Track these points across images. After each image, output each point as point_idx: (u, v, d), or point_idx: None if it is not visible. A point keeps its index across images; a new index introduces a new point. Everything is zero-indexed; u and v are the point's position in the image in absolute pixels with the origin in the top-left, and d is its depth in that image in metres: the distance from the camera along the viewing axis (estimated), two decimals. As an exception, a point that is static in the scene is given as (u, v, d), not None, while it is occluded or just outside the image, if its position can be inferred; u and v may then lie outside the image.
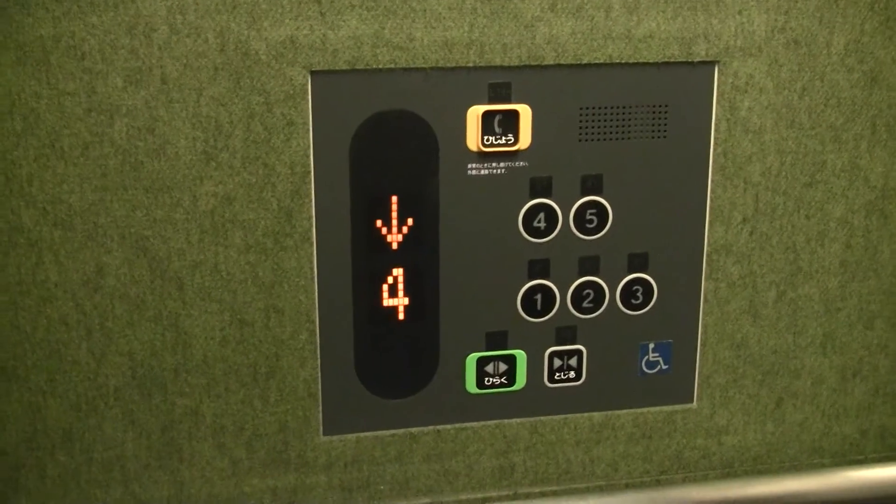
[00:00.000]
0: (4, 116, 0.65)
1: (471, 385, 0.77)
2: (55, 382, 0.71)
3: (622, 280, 0.77)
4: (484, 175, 0.72)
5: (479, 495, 0.79)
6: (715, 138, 0.75)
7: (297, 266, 0.71)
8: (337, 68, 0.68)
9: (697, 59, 0.73)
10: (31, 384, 0.70)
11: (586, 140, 0.73)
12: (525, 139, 0.72)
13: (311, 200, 0.70)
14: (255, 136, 0.68)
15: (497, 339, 0.76)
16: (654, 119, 0.74)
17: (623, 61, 0.72)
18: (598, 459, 0.80)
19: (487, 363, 0.77)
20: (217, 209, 0.69)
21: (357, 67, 0.68)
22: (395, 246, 0.73)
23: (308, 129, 0.69)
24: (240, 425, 0.74)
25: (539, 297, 0.76)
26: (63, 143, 0.66)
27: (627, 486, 0.81)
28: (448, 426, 0.78)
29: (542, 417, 0.79)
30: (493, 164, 0.73)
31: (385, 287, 0.74)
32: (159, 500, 0.75)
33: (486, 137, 0.72)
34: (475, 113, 0.71)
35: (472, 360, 0.76)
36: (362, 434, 0.76)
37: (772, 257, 0.78)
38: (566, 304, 0.76)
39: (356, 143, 0.70)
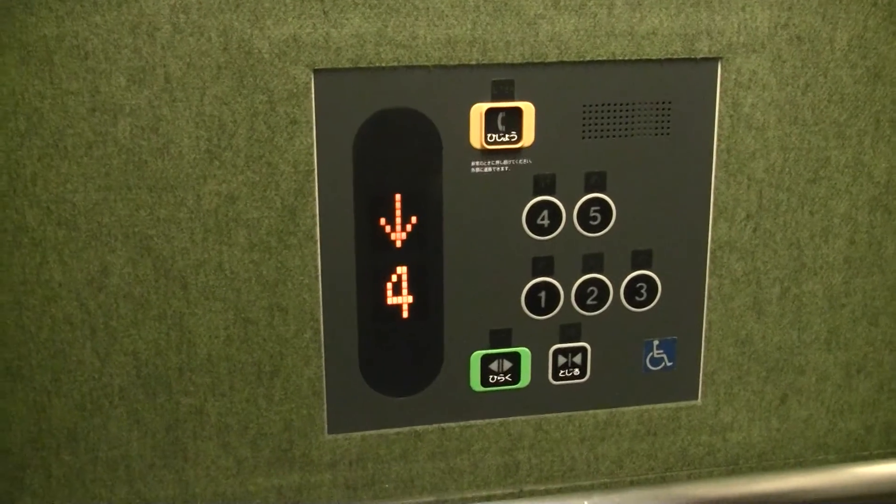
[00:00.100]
0: (8, 116, 0.65)
1: (475, 383, 0.77)
2: (60, 382, 0.71)
3: (626, 277, 0.77)
4: (487, 173, 0.72)
5: (484, 493, 0.79)
6: (718, 135, 0.75)
7: (301, 265, 0.71)
8: (340, 66, 0.68)
9: (701, 56, 0.73)
10: (36, 384, 0.70)
11: (590, 137, 0.73)
12: (528, 136, 0.72)
13: (314, 199, 0.70)
14: (258, 135, 0.68)
15: (501, 337, 0.76)
16: (657, 116, 0.74)
17: (626, 58, 0.72)
18: (603, 457, 0.80)
19: (492, 361, 0.77)
20: (221, 208, 0.69)
21: (360, 66, 0.68)
22: (398, 244, 0.73)
23: (311, 128, 0.69)
24: (244, 424, 0.74)
25: (543, 294, 0.76)
26: (67, 143, 0.66)
27: (632, 483, 0.81)
28: (453, 424, 0.78)
29: (546, 415, 0.79)
30: (497, 162, 0.72)
31: (389, 285, 0.74)
32: (164, 500, 0.75)
33: (489, 135, 0.72)
34: (478, 111, 0.71)
35: (476, 357, 0.76)
36: (367, 432, 0.76)
37: (776, 254, 0.78)
38: (570, 301, 0.76)
39: (359, 141, 0.70)
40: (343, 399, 0.75)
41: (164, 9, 0.65)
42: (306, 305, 0.72)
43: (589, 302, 0.77)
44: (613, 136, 0.73)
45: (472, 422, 0.78)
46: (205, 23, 0.66)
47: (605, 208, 0.75)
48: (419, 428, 0.77)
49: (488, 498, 0.80)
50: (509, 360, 0.77)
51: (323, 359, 0.74)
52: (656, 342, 0.79)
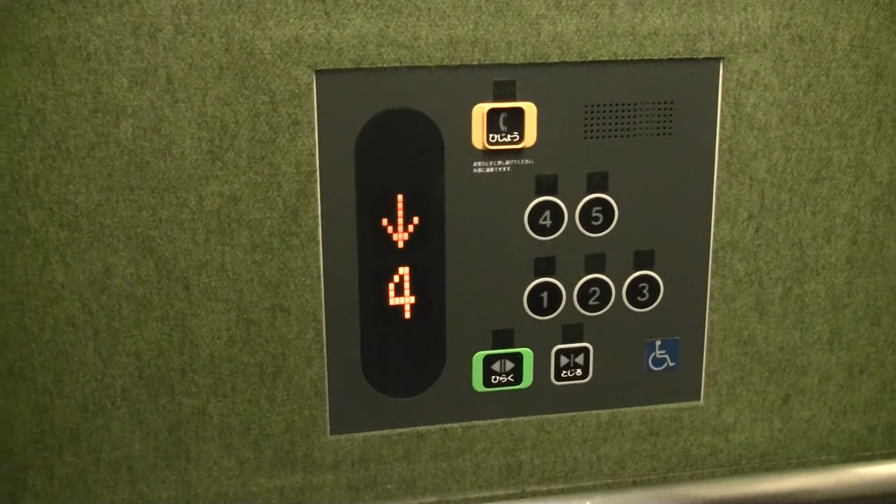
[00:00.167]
0: (11, 117, 0.65)
1: (477, 383, 0.77)
2: (62, 383, 0.71)
3: (628, 277, 0.77)
4: (489, 173, 0.72)
5: (487, 493, 0.79)
6: (720, 135, 0.75)
7: (303, 265, 0.71)
8: (342, 67, 0.68)
9: (702, 56, 0.73)
10: (39, 385, 0.70)
11: (591, 137, 0.73)
12: (530, 137, 0.72)
13: (316, 200, 0.70)
14: (260, 136, 0.68)
15: (503, 338, 0.76)
16: (659, 116, 0.74)
17: (628, 58, 0.72)
18: (606, 457, 0.80)
19: (494, 361, 0.77)
20: (223, 209, 0.69)
21: (362, 66, 0.68)
22: (401, 245, 0.73)
23: (313, 129, 0.69)
24: (247, 425, 0.74)
25: (545, 294, 0.76)
26: (69, 144, 0.66)
27: (634, 484, 0.81)
28: (455, 425, 0.77)
29: (548, 415, 0.79)
30: (499, 162, 0.73)
31: (391, 286, 0.74)
32: (167, 501, 0.75)
33: (491, 135, 0.72)
34: (480, 111, 0.71)
35: (478, 358, 0.76)
36: (369, 433, 0.76)
37: (778, 254, 0.78)
38: (572, 301, 0.76)
39: (361, 141, 0.70)
40: (345, 400, 0.75)
41: (165, 10, 0.65)
42: (308, 306, 0.72)
43: (591, 302, 0.77)
44: (615, 137, 0.73)
45: (475, 422, 0.78)
46: (207, 24, 0.66)
47: (607, 208, 0.75)
48: (421, 428, 0.77)
49: (490, 498, 0.80)
50: (511, 360, 0.77)
51: (325, 359, 0.74)
52: (658, 342, 0.79)
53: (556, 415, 0.79)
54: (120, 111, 0.66)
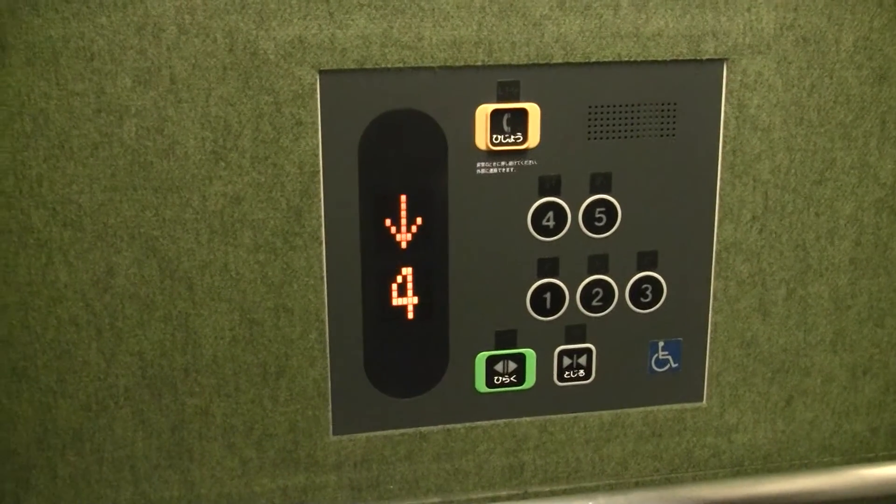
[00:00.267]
0: (14, 117, 0.65)
1: (480, 384, 0.77)
2: (65, 382, 0.71)
3: (631, 278, 0.77)
4: (493, 174, 0.72)
5: (489, 494, 0.79)
6: (724, 136, 0.75)
7: (306, 265, 0.71)
8: (345, 68, 0.68)
9: (706, 57, 0.73)
10: (42, 384, 0.71)
11: (595, 138, 0.73)
12: (534, 138, 0.72)
13: (320, 200, 0.70)
14: (263, 136, 0.68)
15: (506, 338, 0.76)
16: (662, 117, 0.74)
17: (631, 59, 0.72)
18: (608, 458, 0.80)
19: (497, 362, 0.77)
20: (226, 209, 0.69)
21: (366, 67, 0.68)
22: (404, 245, 0.73)
23: (317, 129, 0.69)
24: (250, 425, 0.74)
25: (548, 295, 0.76)
26: (72, 144, 0.66)
27: (637, 485, 0.81)
28: (458, 425, 0.77)
29: (551, 416, 0.79)
30: (502, 163, 0.72)
31: (394, 286, 0.74)
32: (169, 500, 0.75)
33: (494, 136, 0.72)
34: (484, 112, 0.71)
35: (481, 358, 0.76)
36: (372, 433, 0.76)
37: (781, 255, 0.78)
38: (575, 302, 0.76)
39: (365, 142, 0.70)
40: (348, 400, 0.75)
41: (169, 10, 0.65)
42: (311, 306, 0.72)
43: (594, 303, 0.77)
44: (619, 138, 0.73)
45: (478, 423, 0.78)
46: (210, 24, 0.66)
47: (610, 209, 0.75)
48: (424, 429, 0.77)
49: (493, 499, 0.80)
50: (514, 361, 0.77)
51: (328, 360, 0.74)
52: (662, 343, 0.79)
53: (559, 415, 0.79)
54: (123, 111, 0.66)
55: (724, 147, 0.75)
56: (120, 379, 0.71)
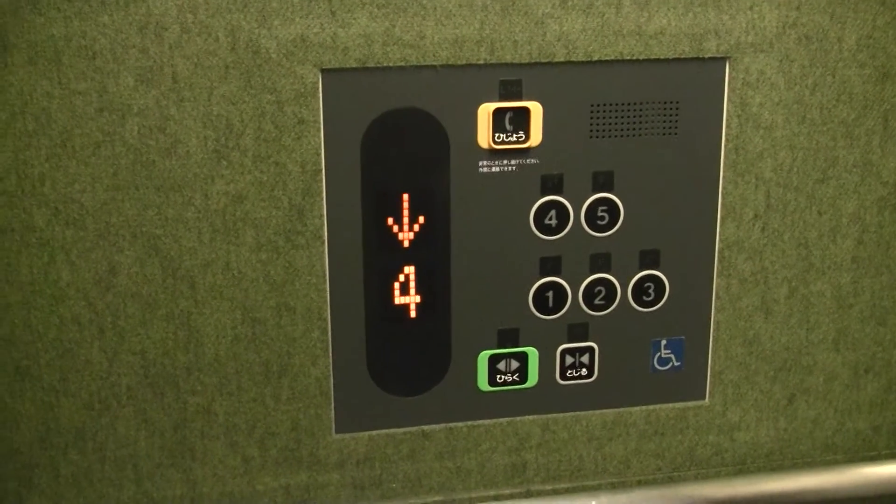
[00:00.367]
0: (16, 116, 0.65)
1: (483, 383, 0.77)
2: (68, 381, 0.71)
3: (634, 277, 0.77)
4: (495, 172, 0.72)
5: (492, 493, 0.79)
6: (726, 134, 0.75)
7: (308, 264, 0.71)
8: (348, 66, 0.68)
9: (708, 55, 0.73)
10: (44, 383, 0.71)
11: (597, 137, 0.73)
12: (536, 136, 0.72)
13: (322, 199, 0.70)
14: (266, 135, 0.68)
15: (509, 337, 0.76)
16: (665, 115, 0.74)
17: (634, 58, 0.72)
18: (611, 456, 0.80)
19: (499, 361, 0.77)
20: (228, 208, 0.69)
21: (368, 65, 0.68)
22: (406, 244, 0.73)
23: (319, 128, 0.69)
24: (252, 424, 0.74)
25: (551, 294, 0.76)
26: (75, 143, 0.66)
27: (640, 483, 0.81)
28: (460, 424, 0.77)
29: (554, 415, 0.79)
30: (504, 162, 0.72)
31: (397, 285, 0.74)
32: (172, 499, 0.75)
33: (496, 135, 0.72)
34: (486, 110, 0.71)
35: (483, 357, 0.76)
36: (374, 432, 0.76)
37: (784, 253, 0.78)
38: (578, 301, 0.76)
39: (367, 141, 0.70)
40: (350, 398, 0.75)
41: (171, 9, 0.65)
42: (314, 305, 0.72)
43: (596, 302, 0.77)
44: (621, 136, 0.73)
45: (480, 421, 0.78)
46: (212, 23, 0.66)
47: (612, 208, 0.75)
48: (426, 427, 0.77)
49: (496, 497, 0.80)
50: (517, 359, 0.77)
51: (330, 358, 0.74)
52: (664, 342, 0.79)
53: (562, 414, 0.79)
54: (126, 110, 0.66)
55: (726, 145, 0.75)
56: (122, 378, 0.71)
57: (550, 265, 0.75)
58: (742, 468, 0.83)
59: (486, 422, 0.78)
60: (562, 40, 0.70)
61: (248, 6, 0.66)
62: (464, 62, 0.69)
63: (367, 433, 0.76)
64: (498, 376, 0.77)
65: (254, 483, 0.75)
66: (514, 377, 0.77)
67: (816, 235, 0.78)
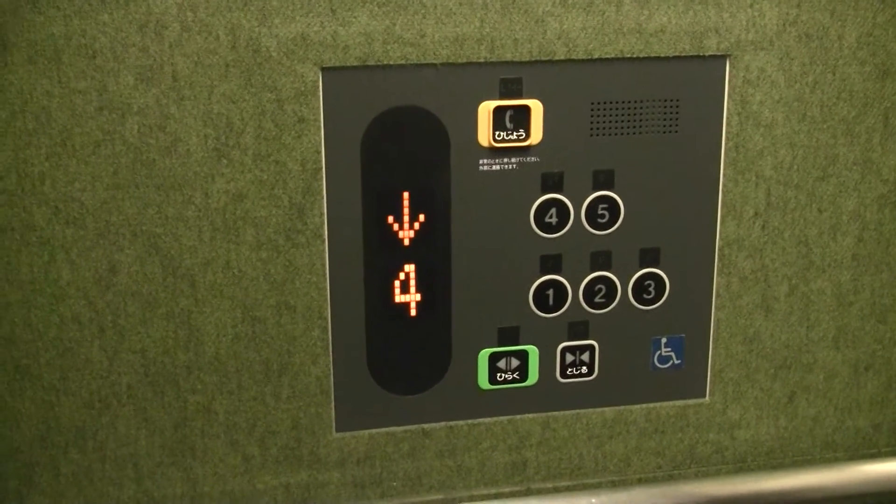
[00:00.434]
0: (16, 115, 0.65)
1: (483, 381, 0.77)
2: (68, 380, 0.71)
3: (634, 275, 0.77)
4: (495, 170, 0.72)
5: (492, 491, 0.79)
6: (726, 132, 0.75)
7: (308, 263, 0.71)
8: (348, 65, 0.68)
9: (709, 53, 0.73)
10: (45, 382, 0.71)
11: (598, 135, 0.73)
12: (536, 134, 0.72)
13: (322, 197, 0.70)
14: (266, 134, 0.68)
15: (509, 335, 0.76)
16: (665, 113, 0.74)
17: (634, 56, 0.72)
18: (611, 454, 0.80)
19: (500, 359, 0.77)
20: (229, 206, 0.69)
21: (368, 64, 0.68)
22: (406, 242, 0.73)
23: (319, 126, 0.69)
24: (252, 422, 0.74)
25: (551, 292, 0.76)
26: (75, 142, 0.66)
27: (640, 481, 0.81)
28: (460, 422, 0.77)
29: (554, 413, 0.79)
30: (505, 160, 0.72)
31: (397, 283, 0.73)
32: (172, 498, 0.75)
33: (497, 133, 0.71)
34: (486, 108, 0.71)
35: (484, 355, 0.76)
36: (375, 430, 0.76)
37: (784, 251, 0.78)
38: (578, 299, 0.76)
39: (367, 139, 0.70)
40: (351, 397, 0.75)
41: (171, 7, 0.65)
42: (314, 303, 0.72)
43: (597, 300, 0.77)
44: (621, 134, 0.73)
45: (480, 420, 0.78)
46: (213, 21, 0.66)
47: (612, 206, 0.75)
48: (427, 426, 0.77)
49: (496, 496, 0.80)
50: (517, 357, 0.77)
51: (331, 357, 0.74)
52: (664, 340, 0.79)
53: (562, 412, 0.79)
54: (126, 109, 0.66)
55: (726, 143, 0.75)
56: (122, 377, 0.71)
57: (551, 263, 0.75)
58: (742, 466, 0.83)
59: (487, 420, 0.78)
60: (562, 38, 0.70)
61: (248, 4, 0.66)
62: (464, 60, 0.69)
63: (367, 432, 0.76)
64: (498, 374, 0.77)
65: (254, 482, 0.75)
66: (515, 375, 0.77)
67: (816, 233, 0.78)
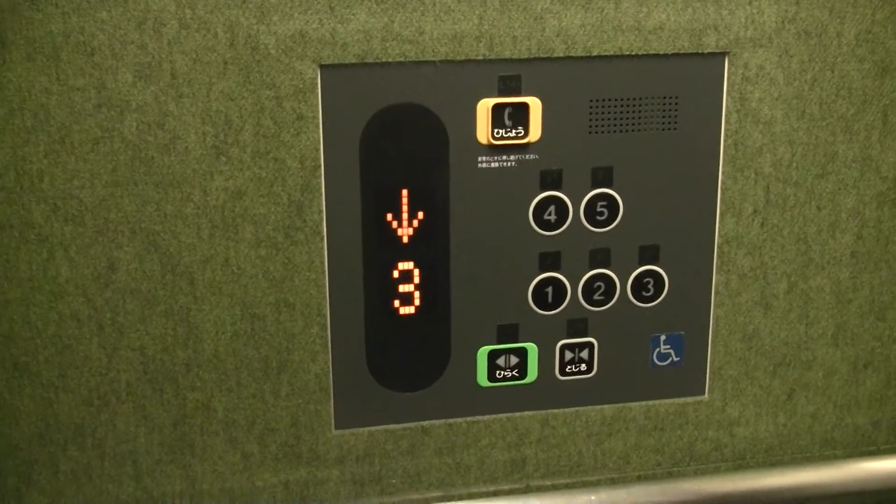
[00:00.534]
0: (15, 112, 0.65)
1: (482, 378, 0.77)
2: (67, 378, 0.71)
3: (633, 272, 0.77)
4: (494, 168, 0.72)
5: (491, 488, 0.79)
6: (725, 130, 0.75)
7: (307, 260, 0.71)
8: (346, 62, 0.68)
9: (708, 51, 0.73)
10: (43, 380, 0.71)
11: (596, 132, 0.73)
12: (535, 132, 0.72)
13: (321, 195, 0.70)
14: (265, 131, 0.68)
15: (508, 332, 0.76)
16: (664, 111, 0.74)
17: (633, 53, 0.71)
18: (610, 452, 0.80)
19: (499, 356, 0.77)
20: (227, 204, 0.69)
21: (367, 61, 0.68)
22: (405, 240, 0.73)
23: (318, 124, 0.69)
24: (251, 420, 0.74)
25: (550, 289, 0.76)
26: (73, 139, 0.66)
27: (639, 479, 0.81)
28: (459, 419, 0.78)
29: (553, 410, 0.79)
30: (504, 157, 0.72)
31: (396, 281, 0.73)
32: (171, 495, 0.75)
33: (496, 130, 0.71)
34: (485, 106, 0.71)
35: (483, 353, 0.76)
36: (374, 428, 0.76)
37: (783, 249, 0.78)
38: (577, 296, 0.76)
39: (366, 136, 0.70)
40: (350, 394, 0.75)
41: (170, 4, 0.65)
42: (313, 301, 0.72)
43: (596, 297, 0.77)
44: (620, 132, 0.73)
45: (479, 417, 0.78)
46: (211, 18, 0.66)
47: (611, 203, 0.75)
48: (426, 423, 0.77)
49: (495, 493, 0.80)
50: (516, 355, 0.77)
51: (330, 354, 0.74)
52: (663, 337, 0.79)
53: (561, 409, 0.79)
54: (124, 106, 0.66)
55: (725, 141, 0.75)
56: (121, 374, 0.71)
57: (550, 261, 0.75)
58: (741, 463, 0.83)
59: (486, 417, 0.78)
60: (561, 35, 0.70)
61: (246, 2, 0.66)
62: (463, 58, 0.69)
63: (366, 429, 0.76)
64: (497, 372, 0.77)
65: (253, 479, 0.75)
66: (514, 373, 0.77)
67: (816, 230, 0.78)
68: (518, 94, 0.71)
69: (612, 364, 0.79)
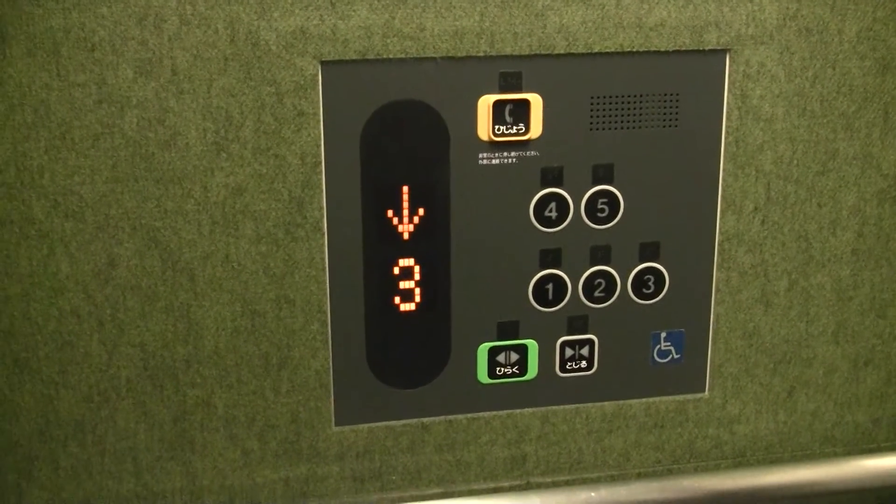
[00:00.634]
0: (15, 108, 0.65)
1: (482, 375, 0.77)
2: (67, 374, 0.71)
3: (634, 269, 0.77)
4: (495, 165, 0.72)
5: (491, 485, 0.80)
6: (726, 127, 0.74)
7: (308, 256, 0.71)
8: (347, 58, 0.68)
9: (709, 48, 0.72)
10: (44, 376, 0.70)
11: (597, 129, 0.73)
12: (536, 128, 0.72)
13: (322, 191, 0.70)
14: (265, 127, 0.68)
15: (509, 329, 0.76)
16: (665, 108, 0.74)
17: (634, 50, 0.71)
18: (610, 449, 0.80)
19: (499, 353, 0.77)
20: (228, 200, 0.69)
21: (367, 57, 0.68)
22: (406, 236, 0.73)
23: (319, 120, 0.69)
24: (252, 416, 0.74)
25: (551, 286, 0.76)
26: (74, 135, 0.66)
27: (639, 476, 0.81)
28: (460, 416, 0.77)
29: (553, 407, 0.79)
30: (505, 154, 0.72)
31: (396, 277, 0.73)
32: (171, 492, 0.75)
33: (497, 127, 0.71)
34: (486, 102, 0.71)
35: (483, 349, 0.76)
36: (374, 424, 0.76)
37: (784, 246, 0.78)
38: (578, 293, 0.76)
39: (367, 133, 0.70)
40: (350, 391, 0.75)
41: (170, 0, 0.65)
42: (313, 297, 0.72)
43: (596, 294, 0.77)
44: (621, 128, 0.73)
45: (479, 414, 0.78)
46: (212, 14, 0.66)
47: (612, 200, 0.75)
48: (426, 420, 0.77)
49: (495, 490, 0.80)
50: (516, 352, 0.77)
51: (330, 351, 0.74)
52: (664, 334, 0.79)
53: (561, 406, 0.79)
54: (125, 102, 0.66)
55: (726, 138, 0.75)
56: (121, 370, 0.71)
57: (550, 257, 0.75)
58: (741, 461, 0.83)
59: (486, 414, 0.78)
60: (562, 32, 0.70)
61: None
62: (464, 54, 0.69)
63: (366, 426, 0.76)
64: (498, 369, 0.77)
65: (253, 475, 0.75)
66: (514, 370, 0.77)
67: (816, 228, 0.78)
68: (519, 90, 0.71)
69: (613, 361, 0.79)
